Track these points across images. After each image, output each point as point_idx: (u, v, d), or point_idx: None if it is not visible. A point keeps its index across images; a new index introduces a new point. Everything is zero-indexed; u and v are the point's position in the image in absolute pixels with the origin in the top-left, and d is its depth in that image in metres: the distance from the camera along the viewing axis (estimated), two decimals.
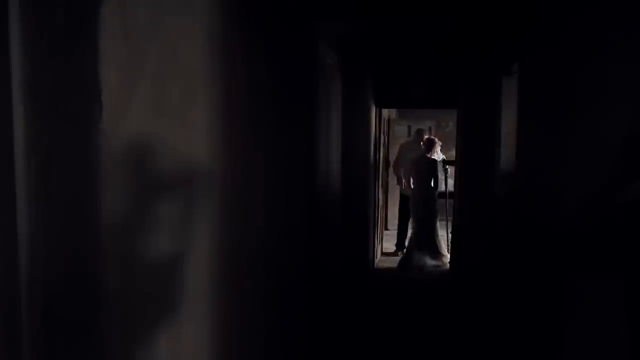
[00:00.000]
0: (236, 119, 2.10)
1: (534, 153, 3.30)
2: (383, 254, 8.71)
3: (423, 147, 7.78)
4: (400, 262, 7.75)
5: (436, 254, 7.85)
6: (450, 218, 7.88)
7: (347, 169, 5.48)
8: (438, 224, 7.96)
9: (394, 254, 8.44)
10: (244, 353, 2.27)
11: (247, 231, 2.26)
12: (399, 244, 8.51)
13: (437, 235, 7.94)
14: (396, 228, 8.83)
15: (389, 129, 9.78)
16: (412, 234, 7.85)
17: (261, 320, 2.51)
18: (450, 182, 7.94)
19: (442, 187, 7.89)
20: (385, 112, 9.29)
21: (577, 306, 2.50)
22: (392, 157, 9.19)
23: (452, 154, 7.95)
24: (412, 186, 7.78)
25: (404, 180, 8.31)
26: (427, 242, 7.65)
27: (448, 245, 7.78)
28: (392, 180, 9.43)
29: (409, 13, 4.12)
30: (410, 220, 8.08)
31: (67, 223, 1.09)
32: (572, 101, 2.63)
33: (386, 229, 9.73)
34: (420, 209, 7.66)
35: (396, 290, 6.80)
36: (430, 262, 7.63)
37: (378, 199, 8.63)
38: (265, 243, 2.54)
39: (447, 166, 7.94)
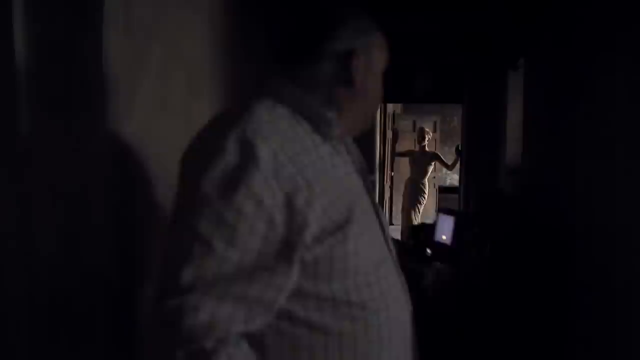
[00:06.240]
0: None
1: (540, 148, 3.28)
2: None
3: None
4: None
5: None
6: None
7: None
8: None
9: None
10: None
11: None
12: None
13: None
14: (400, 223, 8.25)
15: (393, 123, 9.77)
16: None
17: None
18: None
19: None
20: (390, 106, 9.27)
21: (581, 305, 2.50)
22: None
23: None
24: None
25: None
26: None
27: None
28: (397, 175, 9.40)
29: (414, 8, 4.11)
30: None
31: (70, 222, 1.09)
32: (578, 96, 2.61)
33: (391, 224, 9.72)
34: None
35: None
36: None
37: (383, 194, 8.61)
38: None
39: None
